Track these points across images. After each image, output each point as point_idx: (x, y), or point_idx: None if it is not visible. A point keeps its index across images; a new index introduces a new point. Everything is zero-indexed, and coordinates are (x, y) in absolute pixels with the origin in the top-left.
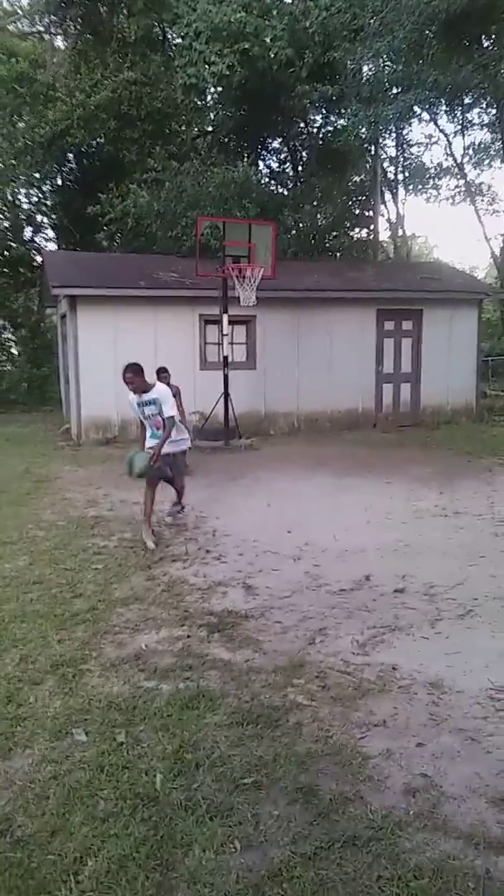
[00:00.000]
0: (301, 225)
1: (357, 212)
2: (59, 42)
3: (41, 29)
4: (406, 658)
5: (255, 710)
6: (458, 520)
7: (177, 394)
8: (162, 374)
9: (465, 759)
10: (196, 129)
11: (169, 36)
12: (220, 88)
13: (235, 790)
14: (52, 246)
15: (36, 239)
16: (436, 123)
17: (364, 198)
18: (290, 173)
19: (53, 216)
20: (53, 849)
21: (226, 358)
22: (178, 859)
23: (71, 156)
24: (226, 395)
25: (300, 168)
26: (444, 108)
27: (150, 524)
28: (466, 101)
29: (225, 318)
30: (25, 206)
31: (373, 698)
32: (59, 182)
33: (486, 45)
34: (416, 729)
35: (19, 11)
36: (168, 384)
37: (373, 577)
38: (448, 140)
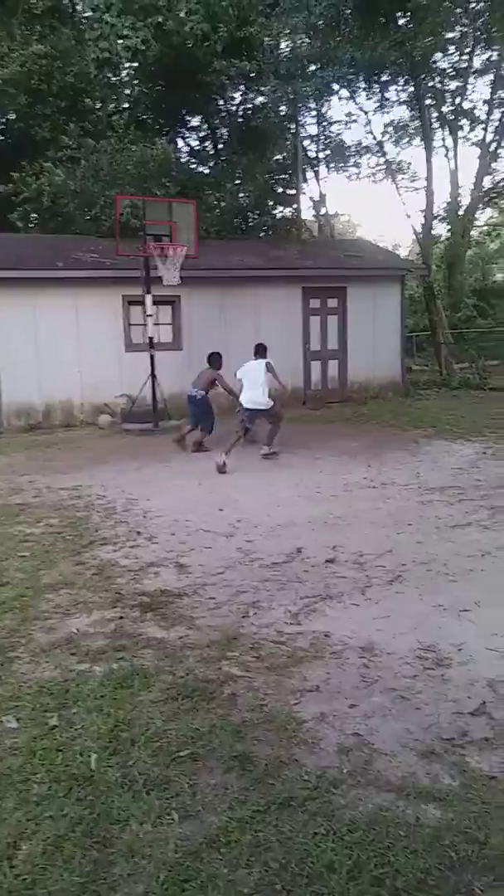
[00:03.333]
0: (223, 204)
1: (279, 190)
2: None
3: None
4: (338, 625)
5: (191, 685)
6: (386, 490)
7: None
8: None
9: (395, 716)
10: (112, 106)
11: (79, 7)
12: (135, 64)
13: (172, 763)
14: None
15: None
16: (355, 101)
17: (286, 176)
18: (211, 151)
19: None
20: None
21: (151, 339)
22: (116, 835)
23: None
24: (153, 376)
25: (221, 146)
26: (362, 85)
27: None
28: (384, 78)
29: (148, 299)
30: None
31: (306, 665)
32: None
33: (401, 22)
34: (349, 691)
35: None
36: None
37: (304, 550)
38: (368, 118)
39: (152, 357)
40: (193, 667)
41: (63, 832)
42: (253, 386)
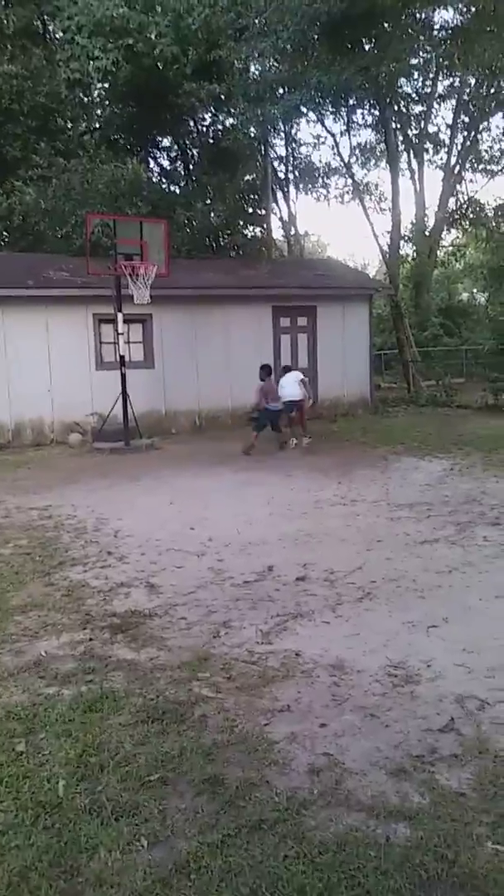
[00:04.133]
0: (194, 223)
1: (250, 210)
2: None
3: None
4: (308, 643)
5: (161, 707)
6: (356, 507)
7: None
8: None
9: (365, 735)
10: (83, 126)
11: (50, 28)
12: (105, 84)
13: (141, 788)
14: None
15: None
16: (322, 124)
17: (256, 197)
18: (182, 172)
19: None
20: None
21: (122, 357)
22: (84, 863)
23: None
24: (124, 394)
25: (191, 166)
26: (329, 108)
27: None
28: (351, 102)
29: (119, 317)
30: None
31: (277, 685)
32: None
33: (366, 47)
34: (319, 711)
35: None
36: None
37: (275, 568)
38: (335, 140)
39: (123, 375)
40: (164, 688)
41: (29, 862)
42: (292, 389)
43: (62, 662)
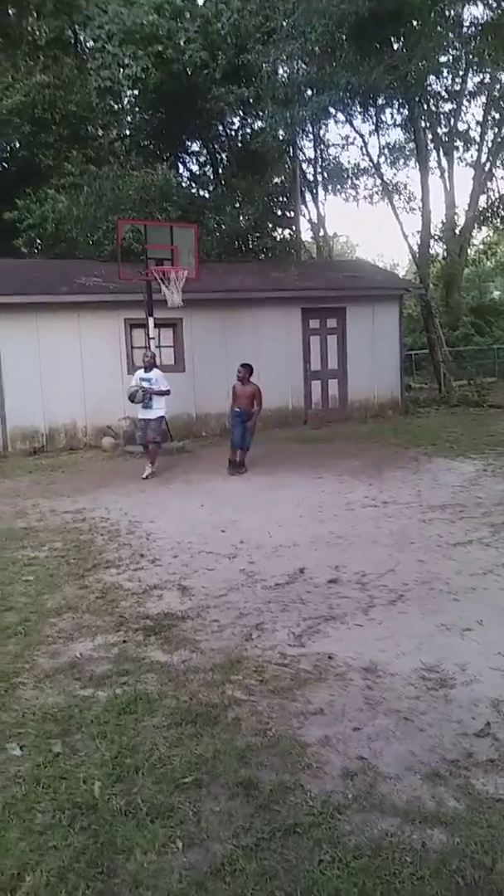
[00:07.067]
0: (223, 227)
1: (279, 213)
2: None
3: None
4: (341, 646)
5: (194, 709)
6: (388, 509)
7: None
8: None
9: (399, 738)
10: (114, 133)
11: (81, 38)
12: (135, 91)
13: (176, 790)
14: None
15: None
16: (351, 124)
17: (285, 199)
18: (211, 176)
19: None
20: None
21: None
22: (120, 865)
23: None
24: None
25: (220, 170)
26: (358, 109)
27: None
28: (379, 101)
29: (150, 321)
30: None
31: (310, 688)
32: None
33: (395, 46)
34: (353, 714)
35: None
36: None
37: (307, 570)
38: (364, 140)
39: None
40: (197, 691)
41: (67, 863)
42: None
43: (97, 664)
